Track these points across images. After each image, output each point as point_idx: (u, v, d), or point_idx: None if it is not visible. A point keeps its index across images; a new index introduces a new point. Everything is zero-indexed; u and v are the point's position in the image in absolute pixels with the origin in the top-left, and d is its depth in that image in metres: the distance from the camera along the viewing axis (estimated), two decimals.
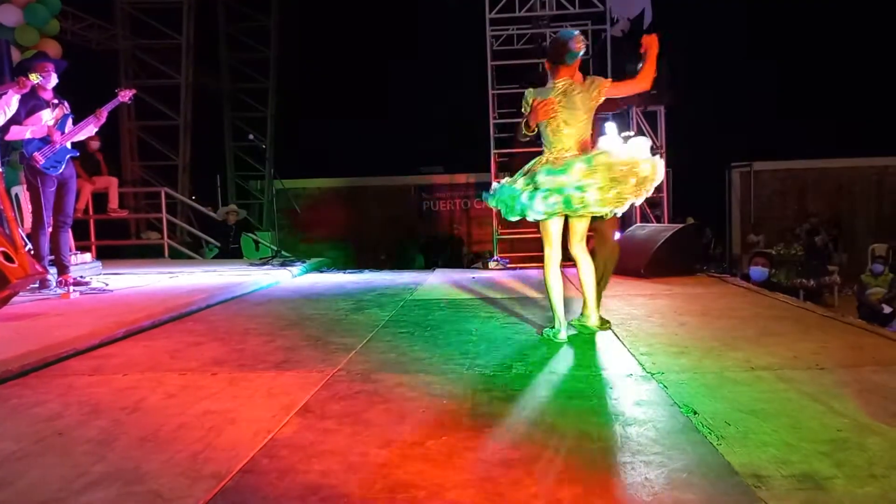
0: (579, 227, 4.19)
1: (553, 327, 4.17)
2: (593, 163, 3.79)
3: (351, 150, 16.77)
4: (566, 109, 4.01)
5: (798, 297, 9.63)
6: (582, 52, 4.04)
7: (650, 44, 4.04)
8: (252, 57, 16.63)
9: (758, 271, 11.19)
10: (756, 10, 15.94)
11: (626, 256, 7.57)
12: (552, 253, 4.15)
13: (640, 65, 4.09)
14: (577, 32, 4.03)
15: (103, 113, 6.08)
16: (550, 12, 12.03)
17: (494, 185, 4.27)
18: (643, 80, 4.05)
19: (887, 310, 9.74)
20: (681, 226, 7.89)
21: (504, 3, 12.02)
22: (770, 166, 16.91)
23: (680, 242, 7.39)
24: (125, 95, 6.21)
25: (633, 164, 3.80)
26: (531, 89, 4.15)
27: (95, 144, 9.81)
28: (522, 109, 4.16)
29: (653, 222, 10.58)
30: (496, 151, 12.29)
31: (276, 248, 9.63)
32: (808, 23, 15.71)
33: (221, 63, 16.60)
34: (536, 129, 4.07)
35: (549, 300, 4.18)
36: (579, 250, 4.22)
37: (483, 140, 12.36)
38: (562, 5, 12.00)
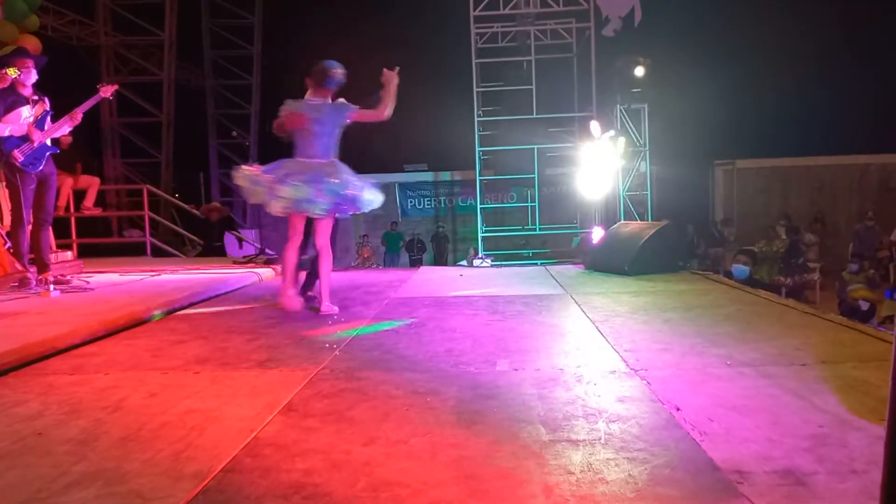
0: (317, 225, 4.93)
1: None
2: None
3: None
4: (317, 123, 4.82)
5: (780, 294, 9.70)
6: (341, 83, 4.89)
7: (390, 79, 4.84)
8: (235, 53, 16.53)
9: (739, 269, 11.29)
10: (741, 7, 16.04)
11: (611, 254, 7.65)
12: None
13: (378, 94, 4.88)
14: (340, 66, 4.87)
15: (79, 111, 6.00)
16: (535, 10, 12.02)
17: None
18: (381, 112, 4.87)
19: (864, 306, 9.84)
20: (665, 223, 7.92)
21: (488, 1, 11.99)
22: (753, 164, 17.05)
23: (664, 240, 7.43)
24: (107, 91, 6.13)
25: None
26: (289, 101, 4.95)
27: (68, 140, 9.68)
28: (279, 114, 4.95)
29: (636, 220, 10.63)
30: (481, 149, 12.26)
31: (259, 246, 9.57)
32: (795, 21, 15.82)
33: (204, 59, 16.49)
34: (289, 134, 4.90)
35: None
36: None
37: (468, 137, 12.33)
38: (546, 3, 11.98)
